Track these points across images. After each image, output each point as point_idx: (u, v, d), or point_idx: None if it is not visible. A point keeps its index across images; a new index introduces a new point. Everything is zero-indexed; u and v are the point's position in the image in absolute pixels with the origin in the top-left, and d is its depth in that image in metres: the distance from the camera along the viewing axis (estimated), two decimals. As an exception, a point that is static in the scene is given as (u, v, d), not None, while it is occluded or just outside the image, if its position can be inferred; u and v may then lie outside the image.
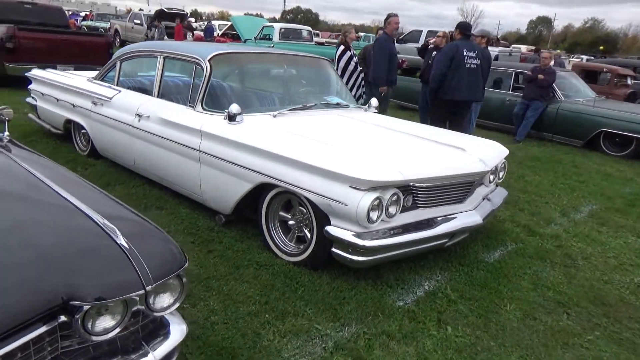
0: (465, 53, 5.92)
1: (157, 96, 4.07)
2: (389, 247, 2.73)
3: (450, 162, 3.02)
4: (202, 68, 3.66)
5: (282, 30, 14.32)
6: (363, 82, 6.93)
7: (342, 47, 7.06)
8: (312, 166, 2.78)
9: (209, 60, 3.66)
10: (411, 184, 2.85)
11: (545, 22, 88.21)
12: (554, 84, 8.20)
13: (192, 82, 3.76)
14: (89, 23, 28.14)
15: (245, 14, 18.77)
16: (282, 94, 4.03)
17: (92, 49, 8.91)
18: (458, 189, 3.15)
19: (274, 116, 3.53)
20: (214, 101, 3.64)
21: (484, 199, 3.55)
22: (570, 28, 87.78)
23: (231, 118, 3.32)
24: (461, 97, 6.03)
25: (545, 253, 3.74)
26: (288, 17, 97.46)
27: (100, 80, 4.77)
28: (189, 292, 2.69)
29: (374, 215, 2.64)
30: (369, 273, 3.05)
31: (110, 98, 4.36)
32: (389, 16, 6.66)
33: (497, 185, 3.99)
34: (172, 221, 3.64)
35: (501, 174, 3.91)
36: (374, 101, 4.63)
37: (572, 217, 4.67)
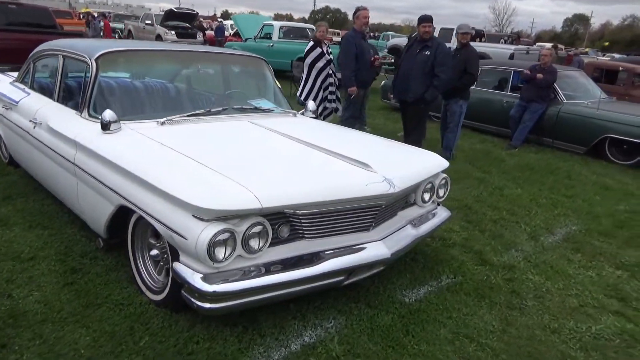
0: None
1: (57, 100, 3.62)
2: (248, 292, 2.17)
3: (342, 184, 2.43)
4: (90, 68, 3.19)
5: (283, 28, 13.81)
6: (331, 85, 6.34)
7: (311, 44, 6.51)
8: (156, 188, 2.25)
9: (95, 60, 3.19)
10: (285, 211, 2.28)
11: (582, 19, 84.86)
12: (555, 85, 7.41)
13: (82, 84, 3.29)
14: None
15: (250, 12, 18.35)
16: (184, 98, 3.51)
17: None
18: (359, 215, 2.56)
19: (162, 124, 3.02)
20: (101, 107, 3.15)
21: (411, 223, 2.95)
22: (608, 26, 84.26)
23: (104, 126, 2.83)
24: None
25: (489, 289, 3.10)
26: (317, 16, 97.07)
27: (21, 82, 4.37)
28: (4, 343, 2.21)
29: (219, 252, 2.09)
30: (242, 316, 2.50)
31: (17, 102, 3.95)
32: (357, 9, 6.06)
33: (438, 205, 3.37)
34: (47, 244, 3.17)
35: (441, 191, 3.29)
36: (311, 104, 4.08)
37: (541, 241, 3.98)
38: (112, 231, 2.86)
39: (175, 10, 20.69)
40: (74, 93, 3.60)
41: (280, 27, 13.87)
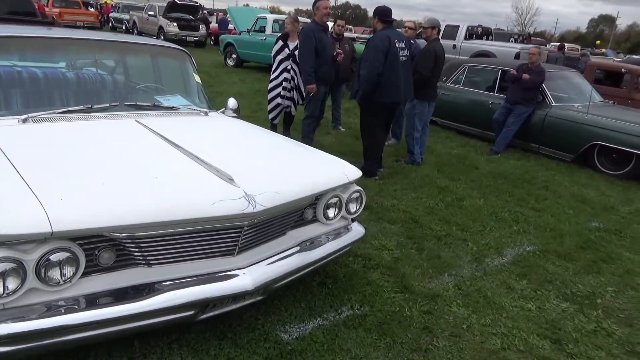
0: (397, 44, 4.80)
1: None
2: (38, 335, 1.76)
3: (182, 201, 2.00)
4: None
5: (278, 22, 13.37)
6: (285, 80, 5.90)
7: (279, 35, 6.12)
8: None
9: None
10: (105, 234, 1.87)
11: (608, 20, 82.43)
12: (544, 86, 6.84)
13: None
14: (116, 15, 28.37)
15: (245, 5, 17.86)
16: (66, 91, 3.09)
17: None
18: (216, 238, 2.13)
19: (23, 121, 2.63)
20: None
21: (303, 245, 2.51)
22: (635, 27, 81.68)
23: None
24: (399, 97, 4.93)
25: (397, 325, 2.64)
26: (337, 12, 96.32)
27: None
28: None
29: (-1, 284, 1.69)
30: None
31: None
32: (316, 0, 5.57)
33: (352, 221, 2.92)
34: None
35: (352, 206, 2.84)
36: (231, 102, 3.67)
37: (485, 263, 3.50)
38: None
39: (178, 2, 20.34)
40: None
41: (275, 21, 13.42)
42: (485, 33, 16.65)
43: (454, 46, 15.87)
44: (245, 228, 2.16)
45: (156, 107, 3.19)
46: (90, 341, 1.93)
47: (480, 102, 7.57)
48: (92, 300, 1.88)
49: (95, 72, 3.31)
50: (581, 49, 24.06)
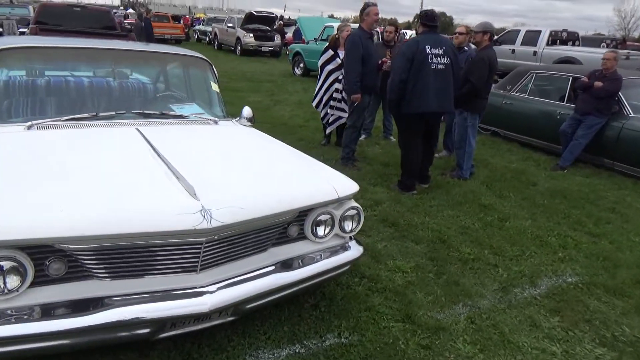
0: (428, 50, 4.48)
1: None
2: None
3: (136, 214, 1.90)
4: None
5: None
6: (337, 91, 5.78)
7: (326, 45, 6.06)
8: None
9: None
10: (54, 245, 1.83)
11: None
12: (620, 95, 6.10)
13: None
14: (200, 27, 29.98)
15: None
16: (78, 99, 3.15)
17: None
18: (174, 253, 2.02)
19: (28, 128, 2.72)
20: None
21: (283, 265, 2.35)
22: None
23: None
24: (430, 107, 4.60)
25: (385, 358, 2.38)
26: (391, 18, 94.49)
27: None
28: None
29: None
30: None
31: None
32: (366, 5, 5.35)
33: (351, 239, 2.70)
34: None
35: (348, 225, 2.62)
36: (246, 111, 3.59)
37: (513, 294, 3.10)
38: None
39: (255, 13, 21.05)
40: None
41: (341, 29, 13.36)
42: (571, 38, 15.40)
43: (535, 53, 14.86)
44: (205, 244, 2.04)
45: (164, 115, 3.19)
46: (37, 353, 1.90)
47: (547, 112, 6.91)
48: (42, 311, 1.85)
49: (107, 80, 3.37)
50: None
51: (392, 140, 7.10)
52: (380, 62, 5.66)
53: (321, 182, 2.52)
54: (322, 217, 2.50)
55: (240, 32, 20.63)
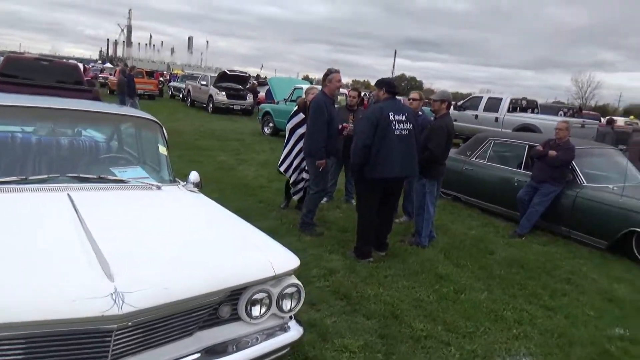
0: (392, 117, 4.53)
1: None
2: None
3: (30, 299, 1.71)
4: None
5: (313, 92, 13.58)
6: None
7: (295, 108, 6.09)
8: None
9: None
10: None
11: (676, 93, 78.70)
12: (574, 164, 6.27)
13: None
14: (175, 84, 30.36)
15: (285, 77, 18.47)
16: (6, 161, 3.00)
17: None
18: (79, 342, 1.82)
19: (-55, 193, 2.53)
20: None
21: (209, 352, 2.16)
22: None
23: None
24: (393, 173, 4.58)
25: None
26: (365, 82, 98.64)
27: None
28: None
29: None
30: None
31: None
32: (329, 72, 5.42)
33: (291, 319, 2.53)
34: None
35: (287, 304, 2.46)
36: (193, 175, 3.46)
37: (462, 377, 2.94)
38: None
39: (228, 72, 21.46)
40: None
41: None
42: (531, 106, 16.13)
43: (497, 119, 15.45)
44: (117, 332, 1.85)
45: (102, 179, 3.03)
46: None
47: (505, 178, 7.03)
48: None
49: (46, 140, 3.24)
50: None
51: (353, 203, 7.04)
52: (340, 126, 5.69)
53: (258, 258, 2.38)
54: (258, 296, 2.34)
55: (213, 90, 20.91)
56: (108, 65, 45.50)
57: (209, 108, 21.01)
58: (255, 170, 9.05)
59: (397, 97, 4.82)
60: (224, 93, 20.69)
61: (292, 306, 2.49)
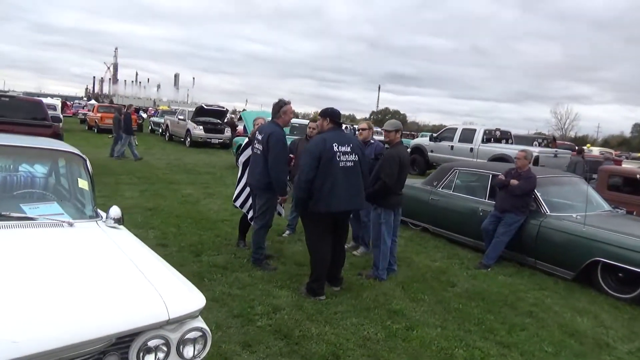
0: (336, 148, 4.37)
1: None
2: None
3: None
4: None
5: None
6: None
7: (246, 140, 5.87)
8: None
9: None
10: None
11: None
12: (536, 192, 6.16)
13: None
14: (155, 119, 30.29)
15: (257, 110, 18.61)
16: None
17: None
18: None
19: None
20: None
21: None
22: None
23: None
24: (338, 207, 4.40)
25: None
26: (377, 117, 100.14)
27: None
28: None
29: None
30: None
31: None
32: (283, 103, 5.24)
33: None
34: None
35: (189, 350, 2.21)
36: (113, 211, 3.22)
37: None
38: None
39: (206, 106, 21.45)
40: None
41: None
42: (505, 136, 16.25)
43: (471, 149, 15.50)
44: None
45: (3, 217, 2.79)
46: None
47: (471, 208, 6.90)
48: None
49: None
50: (620, 154, 23.11)
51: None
52: (290, 157, 5.53)
53: (151, 300, 2.14)
54: (152, 343, 2.10)
55: (191, 125, 20.83)
56: (93, 102, 45.59)
57: (187, 142, 20.85)
58: (221, 204, 8.83)
59: (341, 127, 4.66)
60: (201, 127, 20.60)
61: (196, 353, 2.24)
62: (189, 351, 2.21)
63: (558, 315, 4.64)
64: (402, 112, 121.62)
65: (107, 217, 3.20)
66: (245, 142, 6.02)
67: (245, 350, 3.35)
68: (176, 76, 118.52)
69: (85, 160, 3.49)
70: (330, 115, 4.56)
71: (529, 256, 6.12)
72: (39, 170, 3.45)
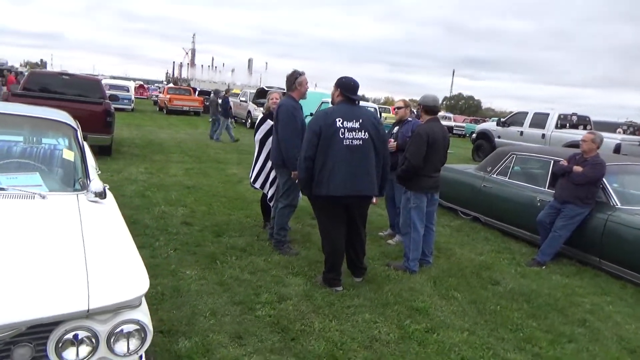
0: (339, 124, 3.85)
1: None
2: None
3: None
4: None
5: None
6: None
7: (260, 116, 5.53)
8: None
9: None
10: None
11: None
12: (605, 182, 5.30)
13: None
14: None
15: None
16: None
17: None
18: None
19: None
20: None
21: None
22: None
23: None
24: (341, 191, 3.87)
25: None
26: (449, 102, 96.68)
27: None
28: None
29: None
30: None
31: None
32: (297, 75, 4.81)
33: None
34: None
35: (121, 345, 1.88)
36: (94, 184, 2.98)
37: None
38: None
39: (266, 88, 21.40)
40: None
41: (337, 104, 13.14)
42: (582, 122, 14.73)
43: (543, 135, 14.21)
44: None
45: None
46: None
47: (527, 198, 6.12)
48: None
49: None
50: None
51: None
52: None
53: (75, 286, 1.83)
54: (74, 335, 1.79)
55: (251, 106, 20.92)
56: (171, 85, 47.71)
57: (247, 123, 21.01)
58: (262, 185, 8.58)
59: (356, 102, 4.08)
60: (261, 108, 20.57)
61: (133, 348, 1.91)
62: (122, 346, 1.88)
63: (619, 326, 3.90)
64: (476, 98, 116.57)
65: (88, 191, 2.97)
66: (259, 118, 5.67)
67: (233, 342, 3.01)
68: (250, 61, 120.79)
69: (76, 130, 3.28)
70: (341, 85, 4.01)
71: (593, 255, 5.29)
72: (25, 139, 3.27)
